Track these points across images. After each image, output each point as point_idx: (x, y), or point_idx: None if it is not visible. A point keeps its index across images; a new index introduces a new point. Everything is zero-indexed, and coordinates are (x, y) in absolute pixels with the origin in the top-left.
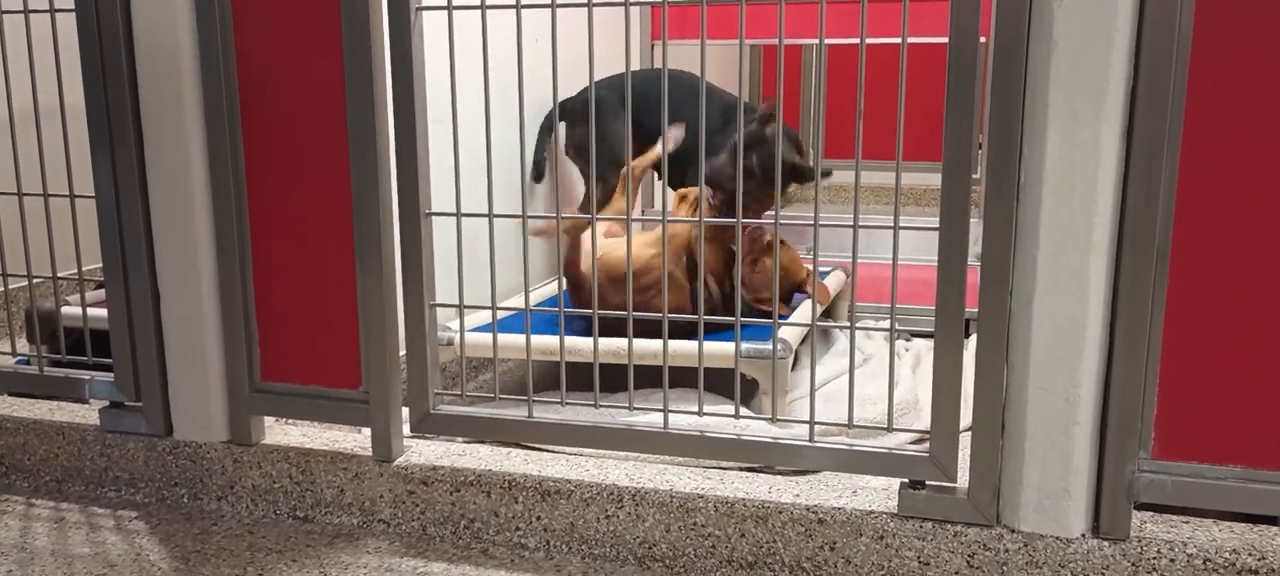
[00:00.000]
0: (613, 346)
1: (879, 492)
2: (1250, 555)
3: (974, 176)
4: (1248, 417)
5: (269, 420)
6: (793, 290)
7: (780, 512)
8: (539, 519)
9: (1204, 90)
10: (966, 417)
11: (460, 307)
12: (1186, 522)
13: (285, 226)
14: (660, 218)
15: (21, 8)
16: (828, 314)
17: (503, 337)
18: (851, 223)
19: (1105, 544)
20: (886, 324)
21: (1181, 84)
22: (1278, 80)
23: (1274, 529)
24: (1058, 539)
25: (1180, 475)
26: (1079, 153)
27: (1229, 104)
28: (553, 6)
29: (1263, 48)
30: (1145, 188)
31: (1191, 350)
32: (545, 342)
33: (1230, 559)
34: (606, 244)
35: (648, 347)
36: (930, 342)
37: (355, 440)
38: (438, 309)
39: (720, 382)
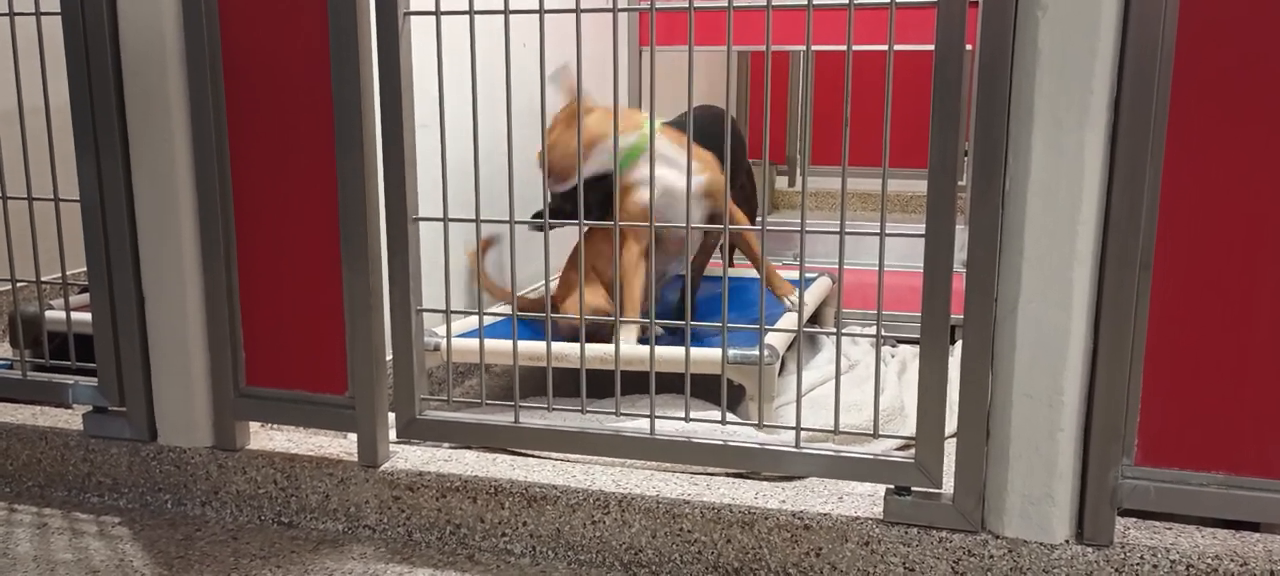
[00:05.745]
0: (600, 352)
1: (865, 498)
2: (1232, 561)
3: (960, 183)
4: (1229, 425)
5: (254, 425)
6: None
7: (766, 518)
8: (525, 524)
9: (1187, 99)
10: (952, 424)
11: (448, 313)
12: (1169, 529)
13: (271, 231)
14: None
15: (6, 10)
16: (815, 320)
17: (489, 343)
18: (838, 229)
19: (1089, 549)
20: (872, 330)
21: (1165, 92)
22: (1261, 90)
23: (1255, 535)
24: (1042, 544)
25: (1163, 481)
26: (1064, 160)
27: (1212, 112)
28: (541, 12)
29: (1246, 57)
30: (1129, 195)
31: (1174, 357)
32: (532, 348)
33: (1212, 564)
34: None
35: (635, 353)
36: (916, 349)
37: (341, 445)
38: (424, 314)
39: (707, 389)
